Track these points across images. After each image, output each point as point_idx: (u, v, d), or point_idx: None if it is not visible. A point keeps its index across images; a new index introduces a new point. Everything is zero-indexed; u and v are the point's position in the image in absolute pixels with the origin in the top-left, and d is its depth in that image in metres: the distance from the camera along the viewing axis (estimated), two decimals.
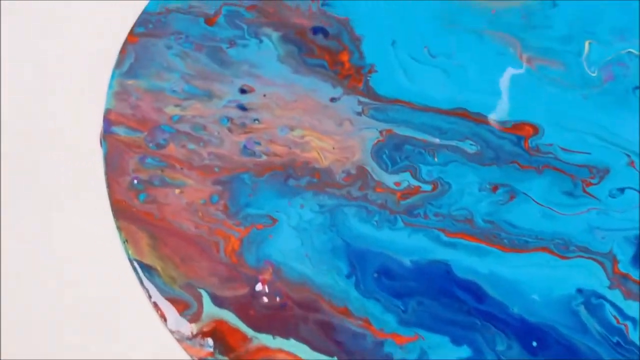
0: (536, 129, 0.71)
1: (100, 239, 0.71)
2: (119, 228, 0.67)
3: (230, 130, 0.71)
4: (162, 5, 0.77)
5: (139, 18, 0.76)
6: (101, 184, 0.69)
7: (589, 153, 0.70)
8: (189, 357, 0.65)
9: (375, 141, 0.70)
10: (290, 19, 0.77)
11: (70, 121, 0.73)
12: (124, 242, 0.66)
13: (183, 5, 0.77)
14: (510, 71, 0.74)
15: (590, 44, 0.75)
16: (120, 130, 0.70)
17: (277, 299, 0.65)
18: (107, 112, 0.71)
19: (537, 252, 0.66)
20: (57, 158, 0.74)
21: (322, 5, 0.77)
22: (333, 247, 0.66)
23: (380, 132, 0.71)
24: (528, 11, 0.77)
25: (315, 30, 0.76)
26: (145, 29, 0.76)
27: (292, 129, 0.71)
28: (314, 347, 0.65)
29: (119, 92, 0.72)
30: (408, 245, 0.66)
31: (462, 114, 0.72)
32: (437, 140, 0.70)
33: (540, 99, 0.73)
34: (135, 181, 0.68)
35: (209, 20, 0.76)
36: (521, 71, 0.74)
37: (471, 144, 0.70)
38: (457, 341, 0.65)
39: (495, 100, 0.72)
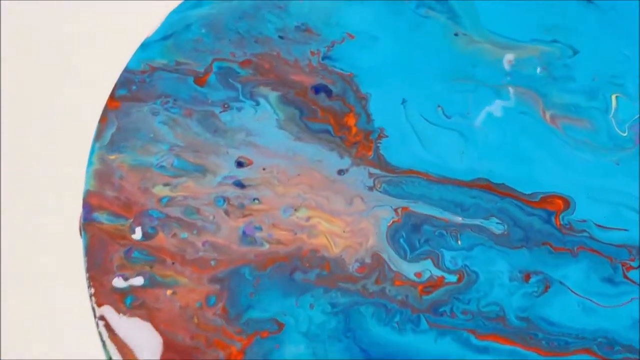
0: (567, 203, 0.49)
1: (81, 349, 0.48)
2: (103, 343, 0.44)
3: (227, 212, 0.48)
4: (146, 63, 0.54)
5: (120, 78, 0.53)
6: (82, 284, 0.46)
7: (626, 230, 0.49)
8: None
9: (391, 222, 0.48)
10: (289, 75, 0.54)
11: (47, 206, 0.49)
12: None
13: (169, 61, 0.54)
14: (533, 132, 0.52)
15: (617, 97, 0.53)
16: (102, 217, 0.48)
17: None
18: (87, 195, 0.49)
19: (579, 354, 0.45)
20: (34, 251, 0.50)
21: (323, 59, 0.54)
22: (350, 357, 0.44)
23: (396, 210, 0.48)
24: (547, 60, 0.55)
25: (317, 89, 0.53)
26: (127, 92, 0.52)
27: (296, 209, 0.48)
28: None
29: (99, 170, 0.49)
30: (435, 351, 0.45)
31: (484, 185, 0.50)
32: (459, 219, 0.48)
33: (568, 166, 0.51)
34: (121, 281, 0.46)
35: (199, 80, 0.53)
36: (546, 132, 0.52)
37: (497, 223, 0.48)
38: None
39: (520, 169, 0.50)
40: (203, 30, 0.55)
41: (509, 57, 0.54)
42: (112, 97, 0.52)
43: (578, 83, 0.53)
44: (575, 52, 0.55)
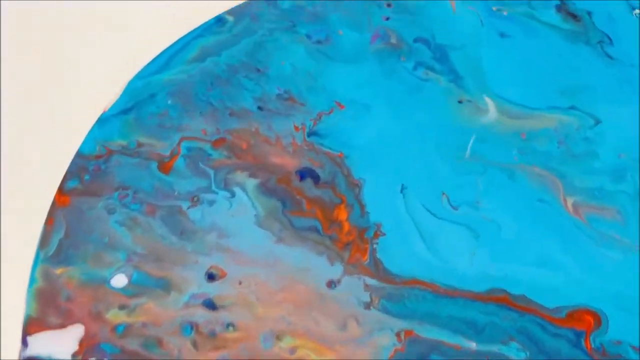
0: (598, 319, 0.35)
1: None
2: None
3: (195, 344, 0.33)
4: (102, 144, 0.38)
5: (71, 165, 0.38)
6: None
7: None
8: None
9: (392, 351, 0.34)
10: (270, 157, 0.39)
11: None
12: None
13: (129, 142, 0.38)
14: (553, 226, 0.37)
15: None
16: (43, 354, 0.33)
17: None
18: (28, 322, 0.34)
19: None
20: None
21: (309, 135, 0.39)
22: None
23: (398, 334, 0.34)
24: (565, 133, 0.40)
25: (303, 174, 0.38)
26: (79, 183, 0.37)
27: (279, 337, 0.34)
28: None
29: (43, 288, 0.34)
30: None
31: (501, 298, 0.35)
32: (473, 345, 0.34)
33: (596, 269, 0.36)
34: None
35: (164, 166, 0.38)
36: (568, 225, 0.37)
37: (518, 349, 0.34)
38: None
39: (540, 274, 0.36)
40: (169, 101, 0.39)
41: (522, 127, 0.39)
42: (61, 190, 0.36)
43: (602, 161, 0.38)
44: (597, 122, 0.40)
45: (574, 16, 0.44)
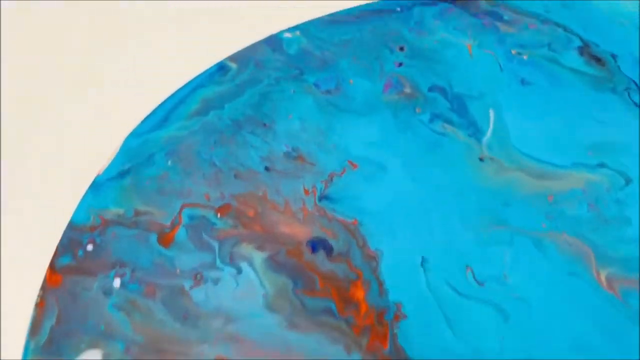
0: None
1: None
2: None
3: None
4: (97, 213, 0.33)
5: (63, 238, 0.32)
6: None
7: None
8: None
9: None
10: (279, 226, 0.33)
11: None
12: None
13: (126, 211, 0.33)
14: (586, 303, 0.32)
15: None
16: None
17: None
18: None
19: None
20: None
21: (320, 199, 0.34)
22: None
23: None
24: (595, 195, 0.34)
25: (314, 245, 0.33)
26: (72, 259, 0.31)
27: None
28: None
29: None
30: None
31: None
32: None
33: (635, 353, 0.31)
34: None
35: (165, 238, 0.32)
36: (602, 302, 0.32)
37: None
38: None
39: None
40: (169, 162, 0.34)
41: (549, 188, 0.34)
42: (53, 268, 0.31)
43: (635, 226, 0.33)
44: (628, 181, 0.34)
45: (597, 59, 0.38)
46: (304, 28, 0.38)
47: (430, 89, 0.36)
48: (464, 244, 0.32)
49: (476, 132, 0.35)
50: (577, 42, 0.39)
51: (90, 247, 0.30)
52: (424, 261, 0.31)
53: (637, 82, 0.38)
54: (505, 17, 0.40)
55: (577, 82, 0.37)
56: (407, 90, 0.36)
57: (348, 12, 0.39)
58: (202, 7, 0.39)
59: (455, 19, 0.39)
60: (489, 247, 0.32)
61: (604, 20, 0.40)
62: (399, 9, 0.39)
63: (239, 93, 0.35)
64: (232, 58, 0.37)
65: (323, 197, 0.32)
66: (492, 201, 0.33)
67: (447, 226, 0.32)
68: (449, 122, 0.35)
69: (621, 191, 0.33)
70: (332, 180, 0.33)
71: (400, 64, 0.37)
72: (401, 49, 0.38)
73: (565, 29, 0.39)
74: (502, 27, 0.39)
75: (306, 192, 0.32)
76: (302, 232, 0.31)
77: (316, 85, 0.36)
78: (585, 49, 0.38)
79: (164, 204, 0.32)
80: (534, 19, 0.40)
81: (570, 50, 0.38)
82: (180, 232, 0.31)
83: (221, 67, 0.36)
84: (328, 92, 0.36)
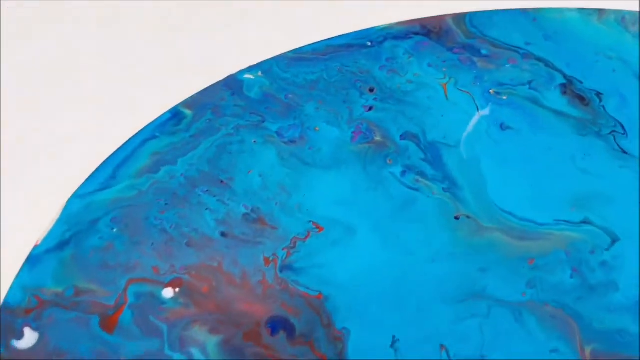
0: None
1: None
2: None
3: None
4: (32, 293, 0.28)
5: None
6: None
7: None
8: None
9: None
10: (235, 303, 0.29)
11: None
12: None
13: (65, 290, 0.28)
14: None
15: None
16: None
17: None
18: None
19: None
20: None
21: (282, 270, 0.30)
22: None
23: None
24: (578, 258, 0.30)
25: (274, 325, 0.28)
26: (5, 350, 0.27)
27: None
28: None
29: None
30: None
31: None
32: None
33: None
34: None
35: (108, 322, 0.28)
36: None
37: None
38: None
39: None
40: (114, 230, 0.29)
41: (530, 249, 0.30)
42: None
43: (623, 294, 0.29)
44: (614, 240, 0.31)
45: (581, 99, 0.34)
46: (265, 68, 0.34)
47: (403, 137, 0.32)
48: (438, 319, 0.28)
49: (452, 187, 0.31)
50: (560, 79, 0.35)
51: (25, 334, 0.26)
52: (394, 341, 0.27)
53: (624, 124, 0.34)
54: (484, 52, 0.36)
55: (559, 126, 0.33)
56: (378, 138, 0.32)
57: (314, 47, 0.35)
58: (151, 43, 0.35)
59: (429, 54, 0.35)
60: (465, 322, 0.28)
61: (588, 53, 0.36)
62: (369, 43, 0.35)
63: (193, 145, 0.31)
64: (187, 104, 0.33)
65: (285, 268, 0.28)
66: (469, 266, 0.29)
67: (419, 298, 0.28)
68: (422, 174, 0.31)
69: (607, 252, 0.30)
70: (295, 246, 0.29)
71: (370, 108, 0.33)
72: (371, 90, 0.34)
73: (547, 64, 0.35)
74: (480, 63, 0.35)
75: (266, 261, 0.28)
76: (261, 310, 0.27)
77: (279, 134, 0.32)
78: (568, 87, 0.35)
79: (107, 280, 0.28)
80: (514, 52, 0.36)
81: (552, 89, 0.34)
82: (125, 314, 0.27)
83: (174, 115, 0.32)
84: (292, 142, 0.32)
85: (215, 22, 0.33)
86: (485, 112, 0.32)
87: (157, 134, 0.31)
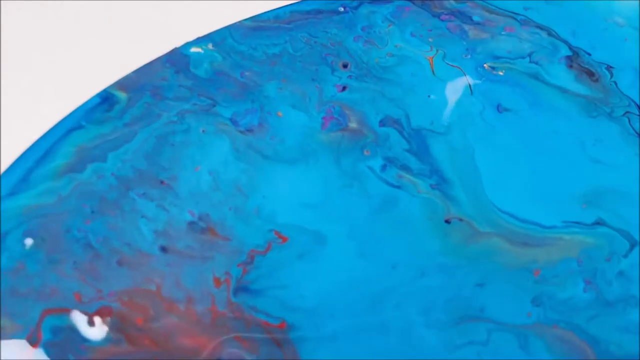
0: None
1: None
2: None
3: None
4: None
5: None
6: None
7: None
8: None
9: None
10: (177, 337, 0.22)
11: None
12: None
13: None
14: None
15: None
16: None
17: None
18: None
19: None
20: None
21: (236, 292, 0.23)
22: None
23: None
24: (592, 268, 0.24)
25: None
26: None
27: None
28: None
29: None
30: None
31: None
32: None
33: None
34: None
35: None
36: None
37: None
38: None
39: None
40: (27, 246, 0.23)
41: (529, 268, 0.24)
42: None
43: (630, 319, 0.24)
44: (633, 244, 0.25)
45: (590, 73, 0.28)
46: (217, 39, 0.27)
47: (382, 122, 0.26)
48: (428, 348, 0.22)
49: (441, 183, 0.25)
50: (565, 51, 0.28)
51: None
52: None
53: (639, 102, 0.28)
54: (476, 18, 0.29)
55: (565, 106, 0.27)
56: (353, 124, 0.26)
57: (276, 14, 0.28)
58: (74, 9, 0.28)
59: (413, 21, 0.29)
60: (460, 350, 0.22)
61: (597, 20, 0.30)
62: (341, 8, 0.29)
63: (128, 137, 0.25)
64: (120, 85, 0.26)
65: (240, 290, 0.22)
66: (463, 281, 0.23)
67: (405, 323, 0.22)
68: (406, 169, 0.25)
69: (625, 259, 0.24)
70: (252, 261, 0.23)
71: (344, 88, 0.27)
72: (345, 65, 0.27)
73: (549, 32, 0.29)
74: (472, 32, 0.29)
75: (217, 282, 0.22)
76: (209, 344, 0.21)
77: (233, 121, 0.26)
78: (574, 60, 0.28)
79: (18, 312, 0.21)
80: (512, 19, 0.29)
81: (556, 62, 0.28)
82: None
83: (104, 99, 0.25)
84: (249, 130, 0.25)
85: None
86: (473, 81, 0.26)
87: (83, 123, 0.24)
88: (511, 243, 0.23)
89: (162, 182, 0.23)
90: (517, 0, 0.30)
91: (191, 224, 0.23)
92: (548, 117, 0.26)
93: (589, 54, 0.28)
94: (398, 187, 0.24)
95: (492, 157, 0.25)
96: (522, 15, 0.29)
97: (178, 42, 0.26)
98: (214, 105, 0.25)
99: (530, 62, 0.28)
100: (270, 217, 0.23)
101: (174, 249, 0.22)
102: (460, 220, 0.23)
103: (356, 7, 0.28)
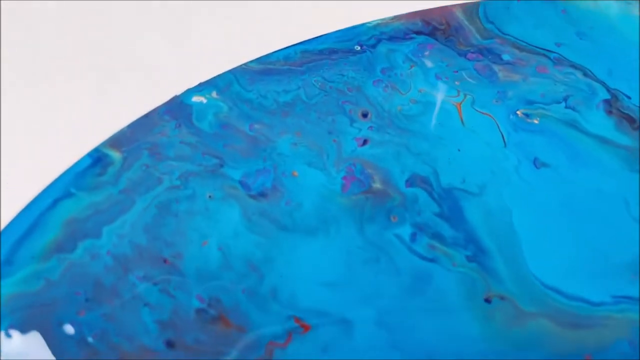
0: None
1: None
2: None
3: None
4: None
5: None
6: None
7: None
8: None
9: None
10: None
11: None
12: None
13: None
14: None
15: None
16: None
17: None
18: None
19: None
20: None
21: None
22: None
23: None
24: None
25: None
26: None
27: None
28: None
29: None
30: None
31: None
32: None
33: None
34: None
35: None
36: None
37: None
38: None
39: None
40: (13, 342, 0.20)
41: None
42: None
43: None
44: None
45: (630, 120, 0.25)
46: (221, 85, 0.24)
47: (409, 182, 0.23)
48: None
49: (478, 253, 0.22)
50: (603, 93, 0.26)
51: None
52: None
53: None
54: (505, 57, 0.26)
55: (606, 159, 0.24)
56: (377, 185, 0.23)
57: (286, 54, 0.25)
58: (65, 48, 0.24)
59: (437, 61, 0.25)
60: None
61: (634, 56, 0.27)
62: (358, 47, 0.25)
63: (124, 206, 0.21)
64: (113, 142, 0.22)
65: None
66: None
67: None
68: (438, 237, 0.22)
69: None
70: (271, 356, 0.20)
71: (365, 142, 0.24)
72: (364, 115, 0.24)
73: (584, 72, 0.26)
74: (502, 73, 0.26)
75: None
76: None
77: (244, 184, 0.22)
78: (613, 104, 0.25)
79: None
80: (544, 57, 0.26)
81: (594, 107, 0.25)
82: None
83: (96, 160, 0.22)
84: (262, 195, 0.22)
85: (150, 22, 0.22)
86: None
87: (73, 190, 0.20)
88: (559, 325, 0.20)
89: (165, 260, 0.20)
90: (547, 34, 0.26)
91: (200, 311, 0.19)
92: (589, 173, 0.23)
93: (629, 97, 0.25)
94: (431, 260, 0.21)
95: (532, 221, 0.22)
96: (555, 52, 0.26)
97: (178, 90, 0.23)
98: (222, 166, 0.22)
99: (566, 107, 0.25)
100: (289, 301, 0.20)
101: (181, 344, 0.19)
102: (502, 298, 0.20)
103: (374, 46, 0.25)
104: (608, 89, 0.25)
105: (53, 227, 0.20)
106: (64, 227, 0.20)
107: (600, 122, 0.25)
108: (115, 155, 0.22)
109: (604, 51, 0.26)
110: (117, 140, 0.22)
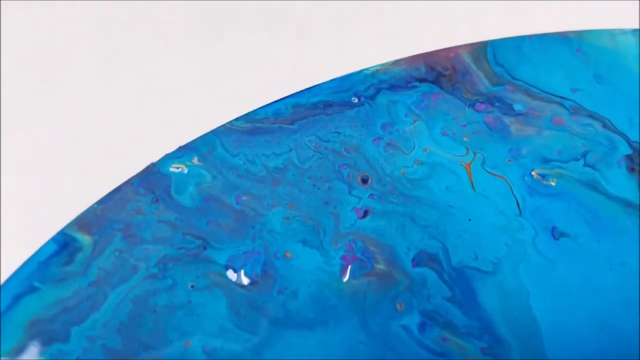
0: None
1: None
2: None
3: None
4: None
5: None
6: None
7: None
8: None
9: None
10: None
11: None
12: None
13: None
14: None
15: None
16: None
17: None
18: None
19: None
20: None
21: None
22: None
23: None
24: None
25: None
26: None
27: None
28: None
29: None
30: None
31: None
32: None
33: None
34: None
35: None
36: None
37: None
38: None
39: None
40: None
41: None
42: None
43: None
44: None
45: None
46: (203, 149, 0.21)
47: (416, 261, 0.20)
48: None
49: (494, 345, 0.19)
50: (624, 148, 0.23)
51: None
52: None
53: None
54: (517, 107, 0.23)
55: (630, 226, 0.22)
56: (380, 266, 0.20)
57: (275, 110, 0.22)
58: (21, 116, 0.20)
59: (443, 114, 0.23)
60: None
61: None
62: (355, 99, 0.22)
63: (95, 302, 0.18)
64: (81, 223, 0.19)
65: None
66: None
67: None
68: (450, 327, 0.19)
69: None
70: None
71: (366, 213, 0.21)
72: (364, 181, 0.21)
73: (604, 123, 0.23)
74: (514, 126, 0.23)
75: None
76: None
77: (230, 268, 0.19)
78: (635, 161, 0.23)
79: None
80: (559, 106, 0.23)
81: (614, 164, 0.23)
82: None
83: (62, 246, 0.19)
84: (252, 284, 0.19)
85: (121, 74, 0.19)
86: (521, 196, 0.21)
87: (36, 284, 0.17)
88: None
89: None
90: (562, 77, 0.23)
91: None
92: (611, 243, 0.21)
93: None
94: (442, 355, 0.18)
95: (552, 303, 0.19)
96: (571, 99, 0.23)
97: (154, 155, 0.20)
98: (205, 248, 0.19)
99: (585, 165, 0.22)
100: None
101: None
102: None
103: (373, 97, 0.22)
104: (629, 142, 0.22)
105: (14, 331, 0.17)
106: (26, 330, 0.17)
107: (622, 182, 0.22)
108: (84, 238, 0.18)
109: (623, 97, 0.23)
110: (85, 221, 0.19)
